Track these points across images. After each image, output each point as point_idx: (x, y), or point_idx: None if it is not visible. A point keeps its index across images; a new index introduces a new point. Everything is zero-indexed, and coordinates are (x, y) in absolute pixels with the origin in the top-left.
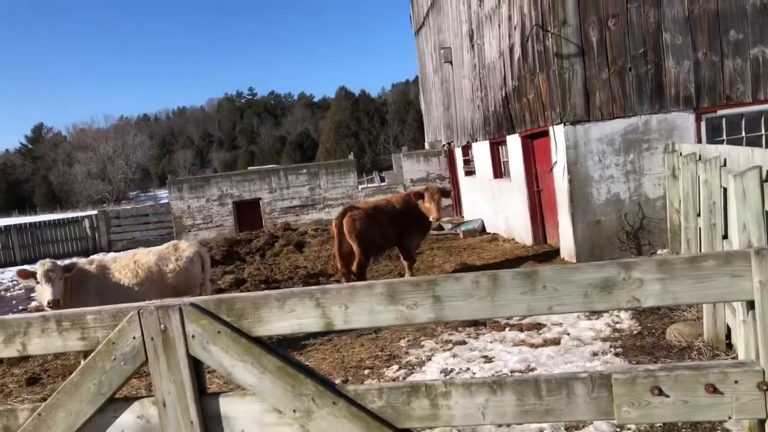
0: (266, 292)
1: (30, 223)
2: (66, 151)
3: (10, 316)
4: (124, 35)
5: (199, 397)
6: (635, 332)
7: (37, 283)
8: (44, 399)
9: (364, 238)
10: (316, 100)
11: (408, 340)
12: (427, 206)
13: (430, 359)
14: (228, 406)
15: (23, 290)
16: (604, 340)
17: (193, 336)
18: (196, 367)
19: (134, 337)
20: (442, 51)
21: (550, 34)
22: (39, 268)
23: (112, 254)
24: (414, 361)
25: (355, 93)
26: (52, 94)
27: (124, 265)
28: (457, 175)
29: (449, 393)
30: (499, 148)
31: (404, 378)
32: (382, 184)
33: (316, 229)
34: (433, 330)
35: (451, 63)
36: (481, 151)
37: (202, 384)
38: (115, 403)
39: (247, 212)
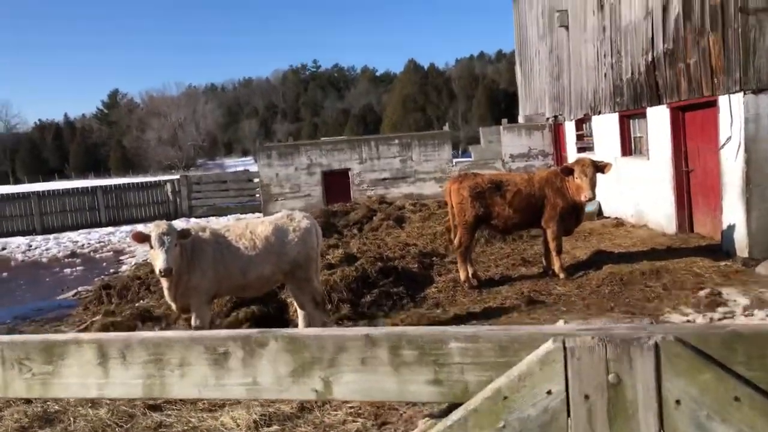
0: None
1: (114, 185)
2: (139, 117)
3: (301, 331)
4: (191, 7)
5: None
6: None
7: (151, 247)
8: None
9: (467, 211)
10: (378, 74)
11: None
12: (578, 183)
13: None
14: None
15: (111, 252)
16: None
17: (677, 401)
18: None
19: (549, 392)
20: (557, 14)
21: None
22: (154, 230)
23: (218, 221)
24: None
25: (424, 66)
26: (129, 57)
27: (240, 234)
28: (566, 151)
29: None
30: (632, 122)
31: None
32: (469, 159)
33: (414, 204)
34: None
35: (567, 27)
36: (605, 125)
37: None
38: None
39: (336, 183)
